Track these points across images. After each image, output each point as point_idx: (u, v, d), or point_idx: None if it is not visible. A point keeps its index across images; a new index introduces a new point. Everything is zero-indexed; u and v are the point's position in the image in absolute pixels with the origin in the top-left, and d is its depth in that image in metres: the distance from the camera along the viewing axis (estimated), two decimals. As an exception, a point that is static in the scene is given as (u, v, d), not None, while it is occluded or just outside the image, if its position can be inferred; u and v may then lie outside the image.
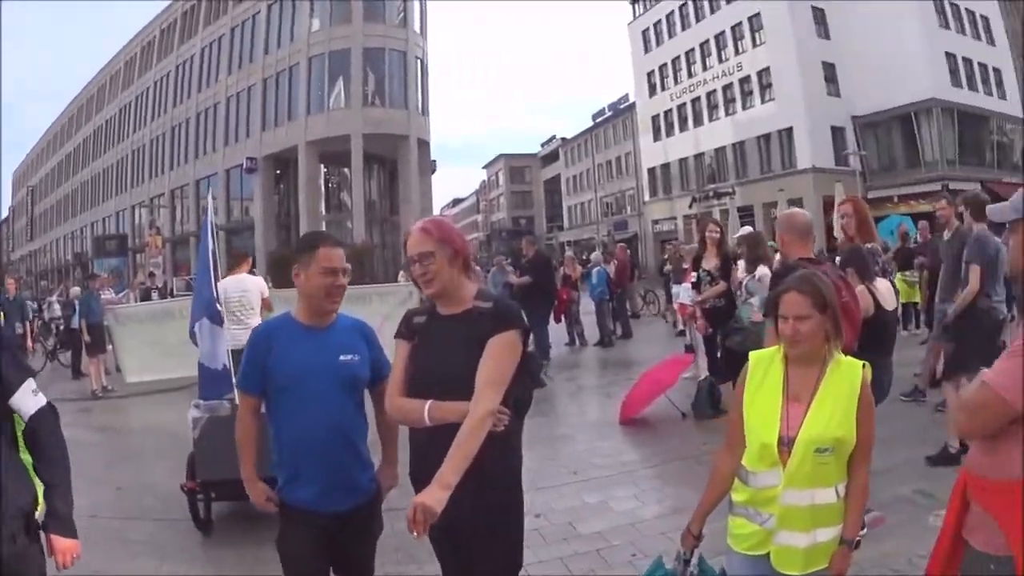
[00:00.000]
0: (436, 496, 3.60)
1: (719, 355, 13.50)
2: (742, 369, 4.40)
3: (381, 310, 18.83)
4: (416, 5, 66.29)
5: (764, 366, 4.27)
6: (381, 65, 62.45)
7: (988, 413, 3.33)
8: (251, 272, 14.43)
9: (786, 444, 3.99)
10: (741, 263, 12.80)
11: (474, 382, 4.00)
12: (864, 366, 4.12)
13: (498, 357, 4.08)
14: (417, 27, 65.85)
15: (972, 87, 62.12)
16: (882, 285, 8.10)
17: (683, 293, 16.61)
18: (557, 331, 23.10)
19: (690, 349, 16.84)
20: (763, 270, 11.43)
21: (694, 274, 14.12)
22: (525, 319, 4.37)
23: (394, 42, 62.88)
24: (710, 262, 13.69)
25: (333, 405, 4.59)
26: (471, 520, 3.92)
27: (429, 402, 4.10)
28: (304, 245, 4.86)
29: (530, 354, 4.40)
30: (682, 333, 21.14)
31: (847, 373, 4.08)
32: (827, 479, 3.99)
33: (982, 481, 3.49)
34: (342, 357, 4.65)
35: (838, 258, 9.35)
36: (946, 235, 12.21)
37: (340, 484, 4.61)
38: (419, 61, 65.21)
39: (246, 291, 13.33)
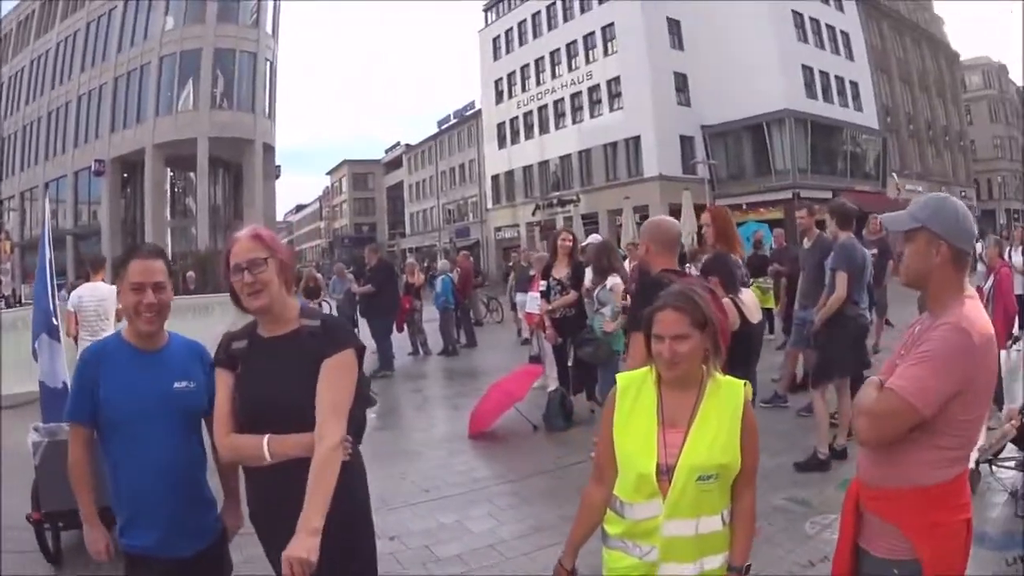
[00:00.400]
0: (307, 545, 3.32)
1: (570, 366, 13.32)
2: (609, 392, 4.10)
3: (224, 319, 18.49)
4: (270, 6, 64.76)
5: (635, 389, 3.96)
6: (231, 67, 60.73)
7: (897, 420, 3.45)
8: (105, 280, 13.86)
9: (665, 473, 3.71)
10: (588, 271, 12.76)
11: (311, 410, 3.69)
12: (746, 385, 3.89)
13: (336, 381, 3.76)
14: (269, 29, 64.37)
15: (828, 99, 64.12)
16: (747, 297, 8.07)
17: (530, 302, 15.79)
18: (400, 340, 22.64)
19: (536, 359, 16.52)
20: (614, 280, 11.54)
21: (543, 282, 13.74)
22: (358, 335, 4.09)
23: (245, 43, 61.25)
24: (561, 271, 13.41)
25: (170, 440, 4.12)
26: (320, 553, 3.48)
27: (267, 437, 3.75)
28: (119, 258, 4.47)
29: (360, 373, 4.04)
30: (527, 342, 20.88)
31: (728, 394, 3.83)
32: (712, 507, 3.75)
33: (878, 491, 3.68)
34: (177, 384, 4.19)
35: (689, 266, 9.29)
36: (806, 243, 12.59)
37: (183, 527, 4.15)
38: (269, 64, 63.81)
39: (102, 300, 12.80)
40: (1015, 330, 12.72)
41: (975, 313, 3.55)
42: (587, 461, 9.80)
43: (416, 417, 15.47)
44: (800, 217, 13.18)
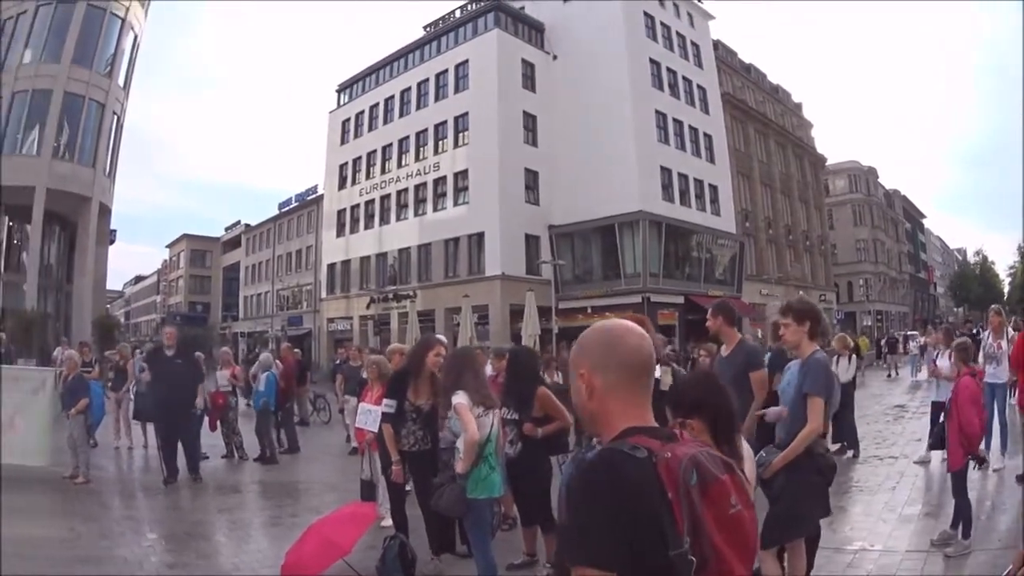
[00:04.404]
0: None
1: (425, 520, 10.47)
2: None
3: (12, 399, 16.64)
4: (126, 55, 61.01)
5: None
6: (78, 115, 56.14)
7: None
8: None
9: None
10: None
11: None
12: None
13: None
14: (122, 80, 60.57)
15: (685, 202, 63.61)
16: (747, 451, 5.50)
17: (364, 415, 12.47)
18: (212, 439, 20.29)
19: (369, 485, 13.22)
20: (457, 398, 8.66)
21: (391, 401, 10.65)
22: None
23: (96, 92, 56.86)
24: (423, 394, 10.50)
25: None
26: None
27: None
28: None
29: None
30: (355, 450, 17.78)
31: None
32: None
33: None
34: None
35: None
36: (724, 350, 10.10)
37: None
38: (116, 118, 59.93)
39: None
40: (981, 449, 10.47)
41: None
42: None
43: (222, 549, 12.25)
44: (710, 319, 10.21)
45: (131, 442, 22.17)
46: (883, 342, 59.79)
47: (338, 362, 28.38)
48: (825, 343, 9.74)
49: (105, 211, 59.29)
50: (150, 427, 21.02)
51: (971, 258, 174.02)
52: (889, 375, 48.21)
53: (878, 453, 18.51)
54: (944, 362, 16.40)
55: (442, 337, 11.88)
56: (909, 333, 63.32)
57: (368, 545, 10.34)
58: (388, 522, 11.53)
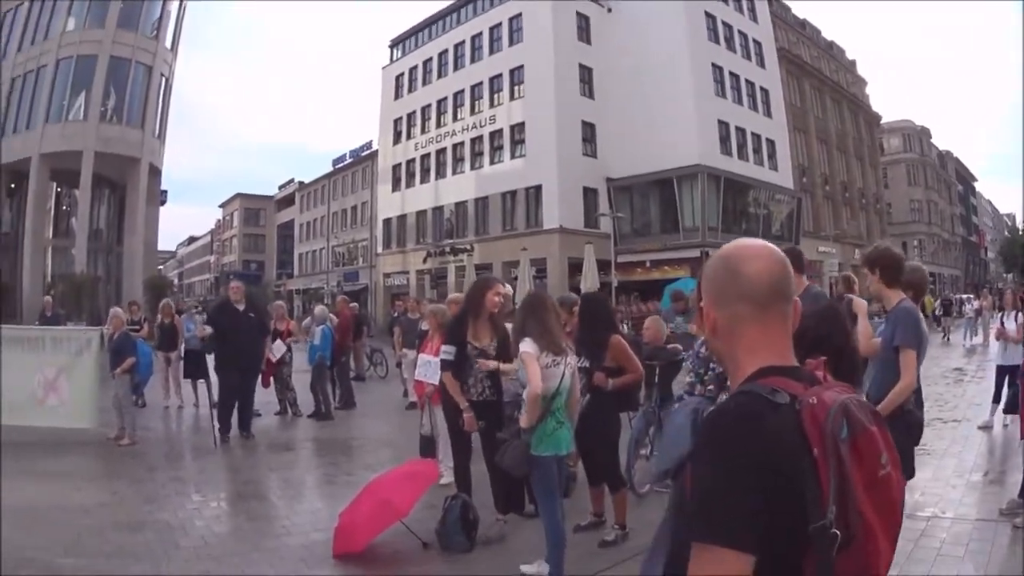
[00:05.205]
0: None
1: (491, 478, 9.75)
2: None
3: (55, 360, 16.19)
4: (173, 17, 60.90)
5: None
6: (124, 77, 56.59)
7: None
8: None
9: None
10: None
11: None
12: None
13: None
14: (169, 42, 60.57)
15: (743, 156, 63.38)
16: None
17: (423, 366, 12.00)
18: (265, 396, 19.71)
19: (429, 441, 12.62)
20: (524, 346, 7.97)
21: (450, 348, 9.83)
22: None
23: (142, 55, 57.16)
24: (484, 337, 9.82)
25: None
26: None
27: None
28: None
29: None
30: (414, 405, 17.41)
31: None
32: None
33: None
34: None
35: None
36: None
37: None
38: (164, 80, 59.95)
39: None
40: None
41: None
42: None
43: (274, 509, 11.63)
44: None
45: (181, 400, 21.69)
46: (936, 304, 58.44)
47: (396, 315, 27.88)
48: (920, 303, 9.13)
49: (155, 172, 59.56)
50: (200, 385, 20.31)
51: (1020, 224, 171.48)
52: (945, 338, 47.37)
53: (941, 416, 18.01)
54: (1011, 324, 16.03)
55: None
56: (963, 296, 62.30)
57: (428, 504, 9.81)
58: (448, 480, 10.94)
